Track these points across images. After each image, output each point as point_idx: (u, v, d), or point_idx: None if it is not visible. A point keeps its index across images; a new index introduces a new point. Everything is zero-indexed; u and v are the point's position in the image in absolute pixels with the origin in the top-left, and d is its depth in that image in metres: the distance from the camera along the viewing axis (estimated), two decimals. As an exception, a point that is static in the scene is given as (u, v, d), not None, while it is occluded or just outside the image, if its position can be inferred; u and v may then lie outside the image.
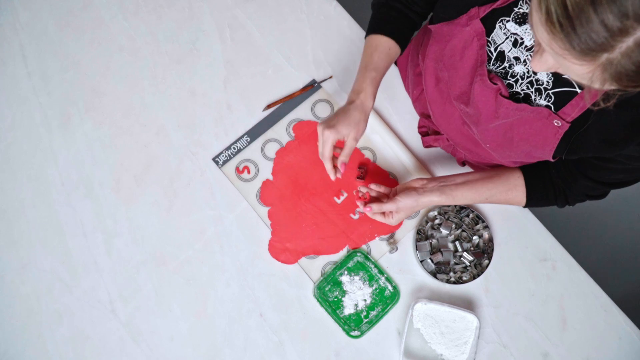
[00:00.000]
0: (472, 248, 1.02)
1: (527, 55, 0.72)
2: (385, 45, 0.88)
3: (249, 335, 0.98)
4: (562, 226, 1.30)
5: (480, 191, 0.90)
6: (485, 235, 1.01)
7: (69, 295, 1.00)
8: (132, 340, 0.98)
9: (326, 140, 0.85)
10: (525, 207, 0.92)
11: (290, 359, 0.97)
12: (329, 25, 1.16)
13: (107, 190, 1.05)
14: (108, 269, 1.01)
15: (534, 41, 0.70)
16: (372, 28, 0.90)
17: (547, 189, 0.88)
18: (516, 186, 0.89)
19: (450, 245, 1.01)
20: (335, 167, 0.90)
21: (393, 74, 1.13)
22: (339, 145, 0.88)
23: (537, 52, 0.57)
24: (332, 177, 0.90)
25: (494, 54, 0.75)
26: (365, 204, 0.92)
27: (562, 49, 0.47)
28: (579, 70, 0.49)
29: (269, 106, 1.10)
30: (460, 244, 1.01)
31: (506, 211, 1.05)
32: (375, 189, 0.95)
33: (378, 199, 0.95)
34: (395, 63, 1.15)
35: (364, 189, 0.95)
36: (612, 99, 0.53)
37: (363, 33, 1.16)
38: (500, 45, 0.74)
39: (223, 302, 1.00)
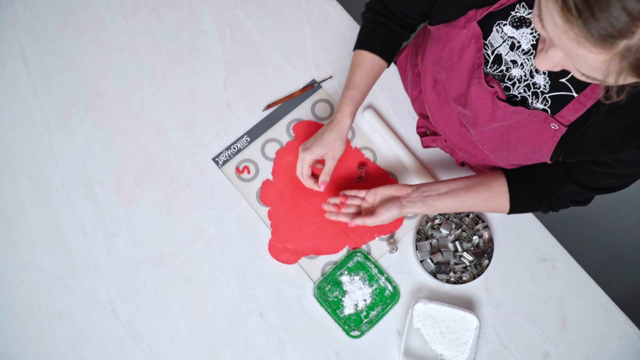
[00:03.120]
0: (472, 248, 1.02)
1: (524, 59, 0.72)
2: (369, 62, 0.92)
3: (249, 335, 0.98)
4: (562, 226, 1.30)
5: (462, 200, 0.90)
6: (485, 235, 1.01)
7: (69, 295, 1.00)
8: (132, 340, 0.98)
9: (303, 161, 0.93)
10: (509, 214, 0.92)
11: (290, 359, 0.97)
12: (329, 25, 1.16)
13: (107, 190, 1.05)
14: (108, 269, 1.01)
15: (536, 40, 0.70)
16: (359, 43, 0.93)
17: (530, 195, 0.88)
18: (499, 194, 0.89)
19: (450, 245, 1.01)
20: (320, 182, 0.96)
21: (393, 74, 1.14)
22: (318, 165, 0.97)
23: (541, 49, 0.56)
24: (320, 188, 0.96)
25: (492, 57, 0.75)
26: (348, 215, 0.92)
27: (578, 36, 0.46)
28: (593, 61, 0.48)
29: (269, 106, 1.10)
30: (460, 244, 1.01)
31: (506, 211, 1.05)
32: (349, 194, 0.95)
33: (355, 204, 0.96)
34: (395, 62, 1.15)
35: (335, 200, 0.96)
36: (622, 94, 0.51)
37: (363, 33, 1.16)
38: (498, 49, 0.74)
39: (223, 302, 1.00)
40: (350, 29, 1.16)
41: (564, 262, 1.03)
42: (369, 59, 0.91)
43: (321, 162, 0.97)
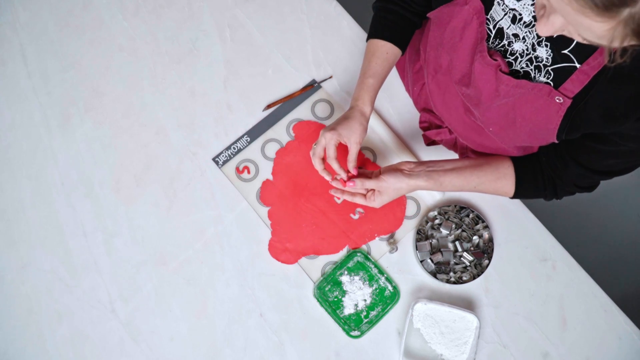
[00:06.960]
0: (472, 248, 1.02)
1: (525, 32, 0.72)
2: (383, 49, 0.91)
3: (249, 335, 0.98)
4: (562, 226, 1.30)
5: (468, 179, 0.89)
6: (485, 235, 1.01)
7: (69, 295, 1.00)
8: (132, 340, 0.98)
9: (328, 142, 0.87)
10: (513, 197, 0.91)
11: (290, 359, 0.97)
12: (329, 25, 1.16)
13: (107, 190, 1.05)
14: (108, 269, 1.01)
15: (535, 8, 0.69)
16: (371, 33, 0.93)
17: (536, 179, 0.87)
18: (505, 175, 0.89)
19: (450, 245, 1.01)
20: (332, 170, 0.91)
21: (392, 74, 1.13)
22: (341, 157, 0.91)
23: (542, 15, 0.56)
24: (327, 177, 0.92)
25: (493, 32, 0.75)
26: (349, 178, 0.89)
27: (583, 7, 0.47)
28: (598, 29, 0.48)
29: (269, 106, 1.10)
30: (460, 244, 1.01)
31: (506, 211, 1.05)
32: (357, 172, 0.92)
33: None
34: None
35: (342, 174, 0.92)
36: (625, 55, 0.52)
37: (363, 33, 1.16)
38: (499, 22, 0.74)
39: (223, 302, 1.00)
40: (350, 29, 1.16)
41: (564, 262, 1.03)
42: (382, 46, 0.91)
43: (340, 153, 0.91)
